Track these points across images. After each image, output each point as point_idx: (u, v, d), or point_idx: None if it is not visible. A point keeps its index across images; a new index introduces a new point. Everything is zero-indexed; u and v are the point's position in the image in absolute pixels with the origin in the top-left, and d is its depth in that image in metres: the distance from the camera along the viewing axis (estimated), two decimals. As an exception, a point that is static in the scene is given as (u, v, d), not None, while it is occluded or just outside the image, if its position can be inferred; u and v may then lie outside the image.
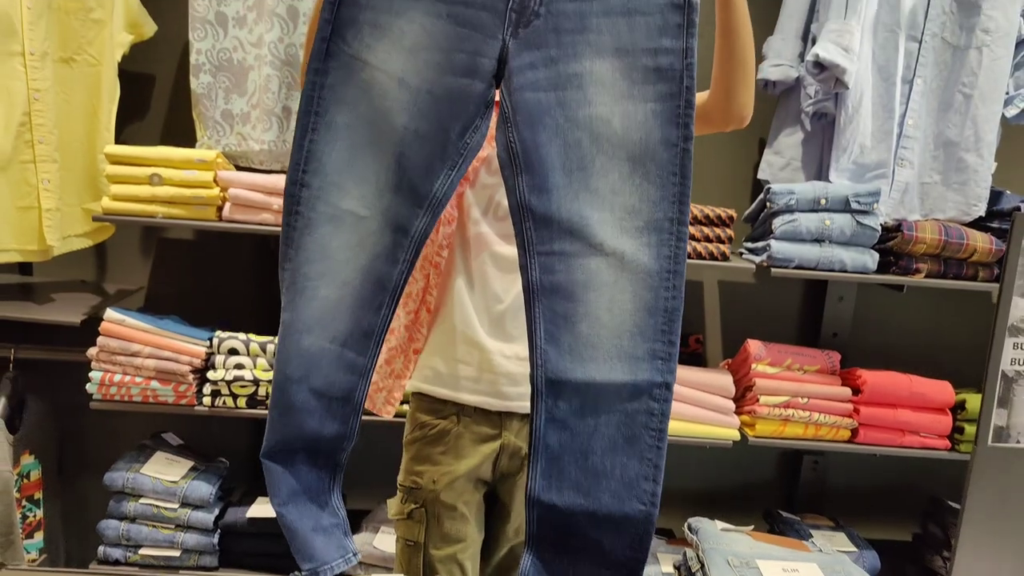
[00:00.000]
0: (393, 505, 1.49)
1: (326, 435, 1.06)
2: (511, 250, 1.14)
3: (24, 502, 2.14)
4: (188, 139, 2.09)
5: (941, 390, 2.10)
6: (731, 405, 2.10)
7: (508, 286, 1.41)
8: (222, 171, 1.98)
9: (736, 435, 2.09)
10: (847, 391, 2.11)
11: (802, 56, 2.13)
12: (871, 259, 2.03)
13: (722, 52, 1.30)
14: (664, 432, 1.00)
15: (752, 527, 1.56)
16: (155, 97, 2.29)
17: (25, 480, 2.14)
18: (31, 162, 1.99)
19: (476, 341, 1.41)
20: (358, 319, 1.03)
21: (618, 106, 0.99)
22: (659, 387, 0.99)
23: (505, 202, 1.18)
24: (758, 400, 2.08)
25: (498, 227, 1.41)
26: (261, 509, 2.10)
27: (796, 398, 2.09)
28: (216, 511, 2.08)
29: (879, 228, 2.02)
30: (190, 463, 2.13)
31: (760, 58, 2.18)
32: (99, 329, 1.98)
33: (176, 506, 2.04)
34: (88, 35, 2.06)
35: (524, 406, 1.39)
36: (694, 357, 2.35)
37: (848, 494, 2.51)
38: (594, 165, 1.00)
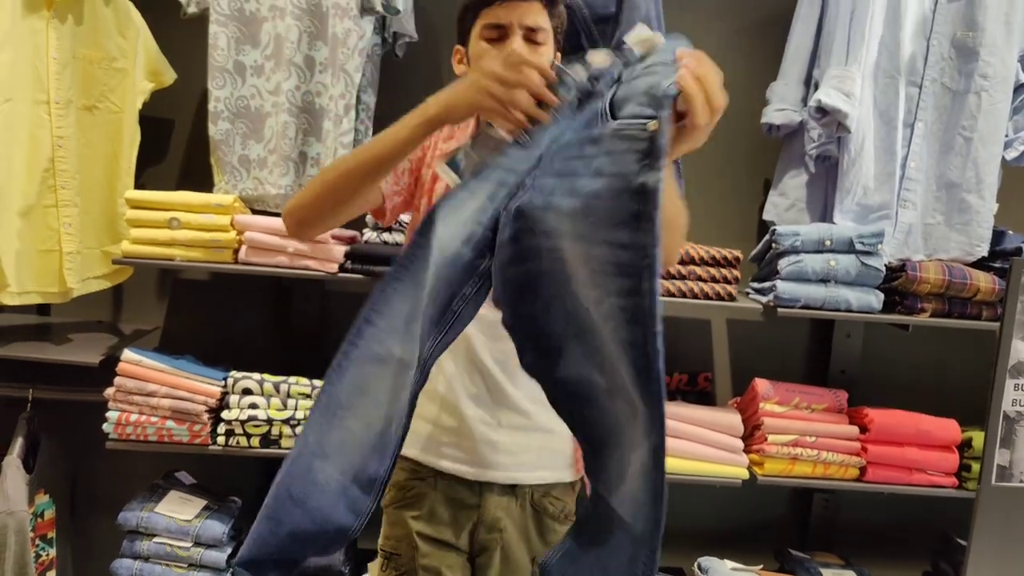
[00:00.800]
0: (374, 570, 1.47)
1: (308, 556, 1.06)
2: (495, 314, 1.11)
3: (38, 541, 2.15)
4: (206, 183, 2.14)
5: (947, 428, 2.11)
6: (740, 444, 2.12)
7: (493, 353, 1.36)
8: (239, 215, 2.03)
9: (745, 474, 2.10)
10: (855, 430, 2.13)
11: (805, 100, 2.18)
12: (876, 299, 2.06)
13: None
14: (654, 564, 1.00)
15: (762, 566, 1.57)
16: (174, 142, 2.35)
17: (39, 519, 2.16)
18: (53, 206, 2.04)
19: (457, 408, 1.38)
20: (368, 461, 1.04)
21: (593, 291, 0.97)
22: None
23: None
24: (766, 439, 2.10)
25: None
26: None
27: (804, 437, 2.10)
28: (229, 550, 2.09)
29: (883, 268, 2.05)
30: (203, 502, 2.15)
31: (764, 103, 2.23)
32: (116, 369, 2.01)
33: (189, 545, 2.06)
34: (111, 83, 2.13)
35: (504, 476, 1.37)
36: (703, 396, 2.37)
37: (859, 531, 2.51)
38: (579, 323, 1.00)
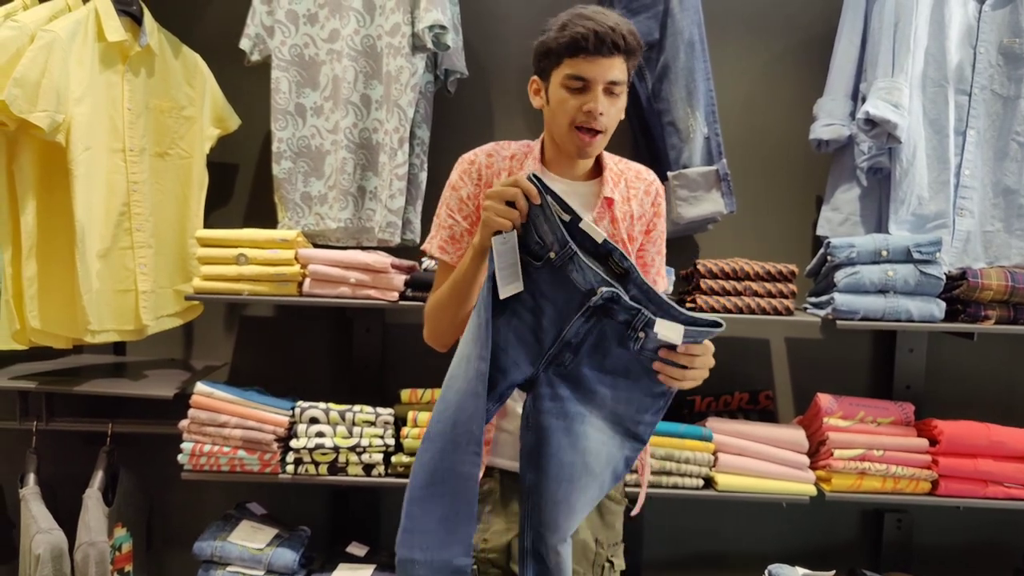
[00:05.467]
0: None
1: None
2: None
3: (115, 574, 2.22)
4: (270, 221, 2.23)
5: (1021, 438, 2.06)
6: (805, 460, 2.09)
7: None
8: (302, 249, 2.11)
9: (812, 490, 2.07)
10: (924, 442, 2.08)
11: (852, 115, 2.19)
12: (938, 308, 2.04)
13: None
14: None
15: (833, 573, 1.54)
16: (239, 184, 2.46)
17: (117, 552, 2.23)
18: (129, 248, 2.15)
19: (514, 409, 1.49)
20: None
21: (603, 446, 1.37)
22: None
23: None
24: (832, 454, 2.07)
25: None
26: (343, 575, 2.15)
27: (871, 451, 2.07)
28: (299, 578, 2.13)
29: (943, 277, 2.03)
30: (274, 531, 2.19)
31: (811, 120, 2.25)
32: (190, 402, 2.09)
33: (262, 573, 2.10)
34: (180, 131, 2.25)
35: None
36: (765, 414, 2.35)
37: (935, 553, 2.43)
38: (578, 480, 1.35)
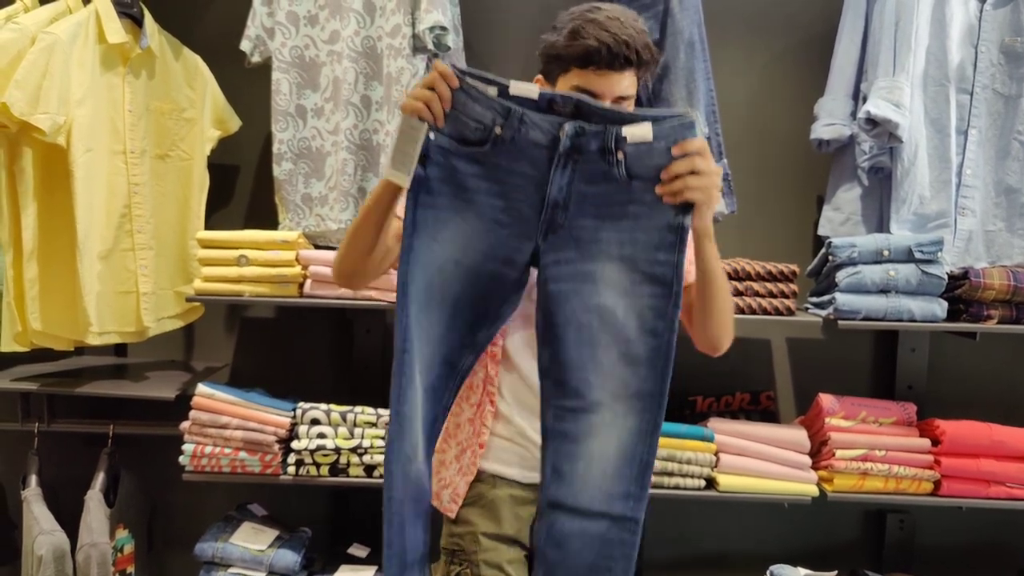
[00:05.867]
0: (438, 570, 1.49)
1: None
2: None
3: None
4: (271, 222, 2.23)
5: (1023, 438, 2.06)
6: (807, 460, 2.08)
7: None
8: (303, 250, 2.11)
9: (814, 490, 2.07)
10: (926, 442, 2.08)
11: (853, 114, 2.19)
12: (940, 308, 2.03)
13: (700, 297, 1.41)
14: (632, 558, 1.29)
15: (835, 573, 1.54)
16: (240, 185, 2.46)
17: (119, 553, 2.23)
18: (130, 250, 2.15)
19: (510, 419, 1.46)
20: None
21: (621, 299, 1.28)
22: (629, 521, 1.28)
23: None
24: (834, 454, 2.06)
25: (529, 307, 1.42)
26: (343, 577, 2.15)
27: (873, 451, 2.06)
28: (300, 579, 2.13)
29: (945, 276, 2.03)
30: (275, 532, 2.19)
31: (812, 119, 2.25)
32: (191, 403, 2.09)
33: (263, 574, 2.10)
34: (181, 133, 2.26)
35: None
36: (766, 414, 2.35)
37: (938, 553, 2.43)
38: (599, 343, 1.28)
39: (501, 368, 1.47)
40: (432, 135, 1.26)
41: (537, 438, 1.39)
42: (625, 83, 1.35)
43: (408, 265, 1.28)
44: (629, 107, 1.38)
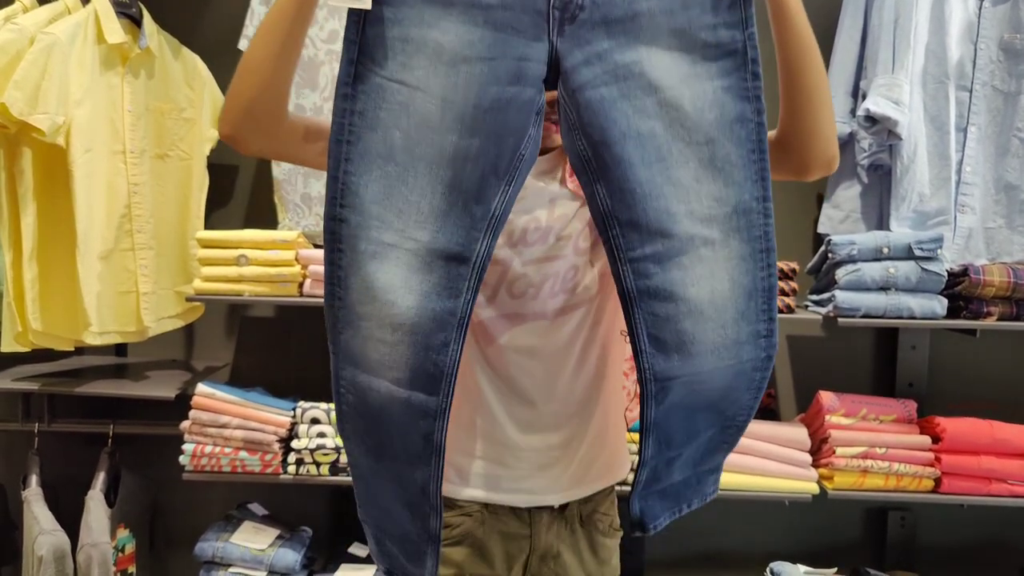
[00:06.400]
0: None
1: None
2: (531, 336, 1.19)
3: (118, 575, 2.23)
4: (270, 222, 2.23)
5: (1025, 435, 2.05)
6: (807, 458, 2.08)
7: (538, 380, 1.25)
8: (303, 250, 2.11)
9: (815, 488, 2.07)
10: (926, 440, 2.08)
11: (853, 112, 2.19)
12: (939, 305, 2.03)
13: (789, 86, 1.09)
14: (762, 390, 1.08)
15: (836, 569, 1.54)
16: (239, 185, 2.46)
17: (120, 553, 2.23)
18: (130, 250, 2.15)
19: (503, 440, 1.27)
20: (421, 361, 0.99)
21: (685, 88, 0.96)
22: (762, 360, 1.05)
23: (522, 277, 1.19)
24: (834, 452, 2.06)
25: (513, 305, 1.23)
26: (344, 576, 2.15)
27: (874, 448, 2.06)
28: (301, 578, 2.13)
29: (945, 273, 2.02)
30: (276, 532, 2.19)
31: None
32: (191, 403, 2.09)
33: (264, 574, 2.10)
34: (180, 133, 2.26)
35: (556, 498, 1.30)
36: (766, 413, 2.35)
37: (939, 551, 2.42)
38: (672, 154, 0.96)
39: (481, 373, 1.25)
40: None
41: (533, 454, 1.25)
42: None
43: (351, 116, 0.96)
44: None
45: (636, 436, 1.25)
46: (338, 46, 2.14)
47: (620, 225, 0.99)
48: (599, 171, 0.98)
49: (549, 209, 1.22)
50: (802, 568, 1.48)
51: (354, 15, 0.93)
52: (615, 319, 1.30)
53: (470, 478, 1.28)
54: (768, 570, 1.54)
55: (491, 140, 0.96)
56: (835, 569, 1.48)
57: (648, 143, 0.96)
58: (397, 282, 0.97)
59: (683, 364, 1.01)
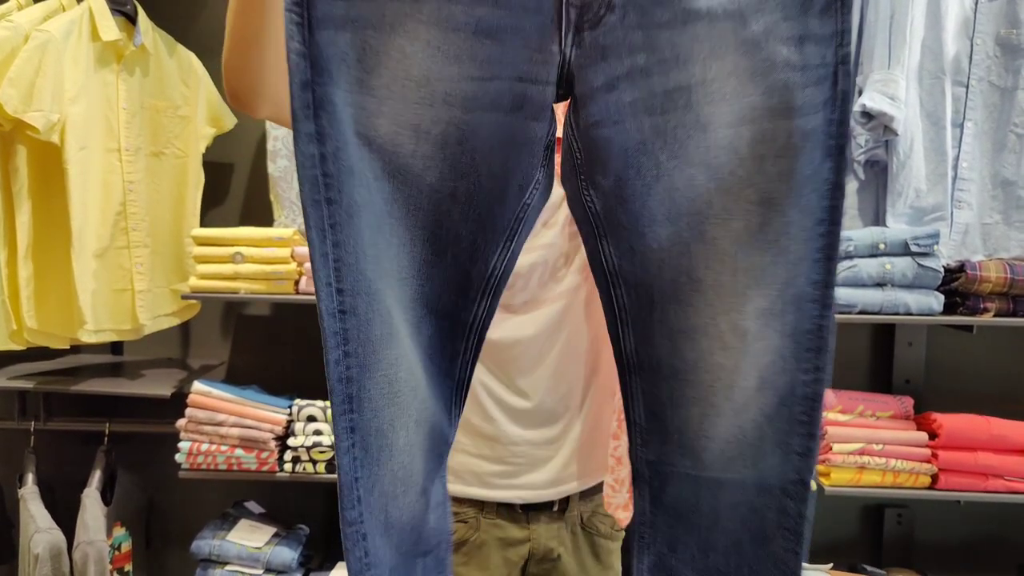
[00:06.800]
0: None
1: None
2: (521, 327, 1.13)
3: (115, 574, 2.22)
4: (266, 219, 2.23)
5: (1021, 431, 2.04)
6: (804, 455, 2.08)
7: (529, 371, 1.22)
8: (298, 247, 2.11)
9: (811, 485, 2.06)
10: (923, 436, 2.07)
11: (849, 108, 2.18)
12: (936, 301, 2.03)
13: None
14: (803, 536, 0.75)
15: (831, 565, 1.54)
16: (235, 183, 2.46)
17: (116, 552, 2.23)
18: (125, 248, 2.15)
19: (496, 435, 1.24)
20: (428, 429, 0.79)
21: (748, 127, 0.69)
22: (794, 484, 0.75)
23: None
24: (831, 448, 2.06)
25: (506, 295, 1.03)
26: (341, 575, 2.14)
27: (870, 445, 2.06)
28: (298, 576, 2.13)
29: (941, 269, 2.02)
30: (272, 530, 2.19)
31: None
32: (187, 401, 2.09)
33: (260, 572, 2.10)
34: (175, 130, 2.25)
35: (553, 492, 1.27)
36: (763, 409, 2.34)
37: (937, 549, 2.42)
38: (711, 207, 0.71)
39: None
40: None
41: (529, 448, 1.22)
42: None
43: (325, 163, 0.66)
44: None
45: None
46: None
47: (627, 286, 0.77)
48: (608, 227, 0.76)
49: None
50: (797, 564, 1.48)
51: (294, 12, 0.64)
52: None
53: (464, 476, 1.26)
54: (763, 566, 1.54)
55: (484, 183, 0.73)
56: (830, 565, 1.48)
57: (680, 196, 0.72)
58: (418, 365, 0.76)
59: (685, 458, 0.78)
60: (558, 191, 0.90)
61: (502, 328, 1.22)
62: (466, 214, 0.74)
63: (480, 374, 1.22)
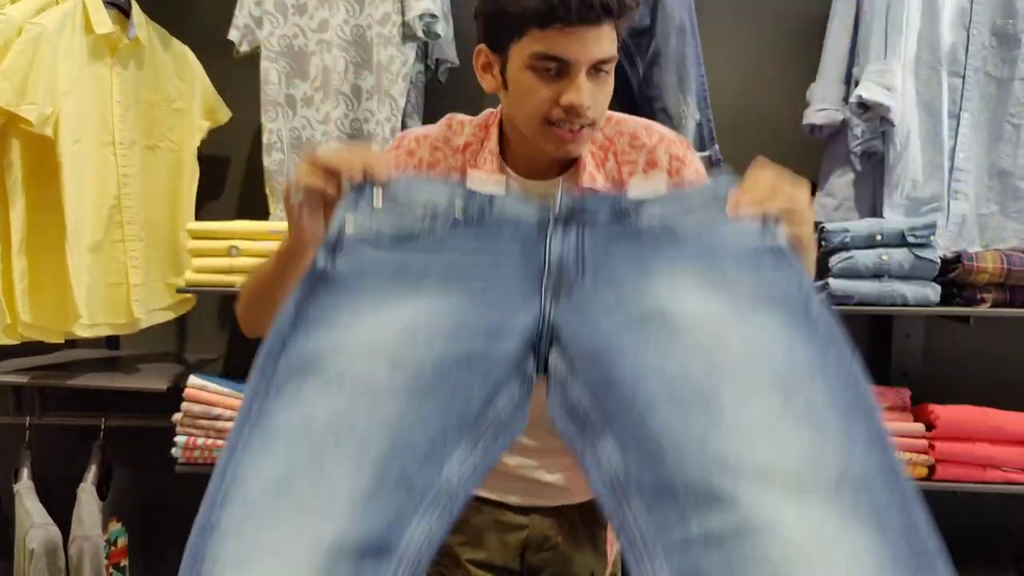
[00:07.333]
0: None
1: None
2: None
3: (111, 569, 2.21)
4: (262, 213, 2.22)
5: (1019, 422, 2.05)
6: (801, 446, 2.08)
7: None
8: (294, 240, 2.10)
9: None
10: (920, 427, 2.07)
11: (846, 99, 2.18)
12: (933, 292, 2.02)
13: None
14: None
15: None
16: (230, 176, 2.45)
17: (112, 547, 2.22)
18: (120, 241, 2.14)
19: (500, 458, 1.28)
20: None
21: (731, 330, 0.72)
22: None
23: None
24: (829, 440, 2.06)
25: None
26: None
27: (868, 436, 2.06)
28: (295, 571, 2.12)
29: (938, 260, 2.02)
30: (269, 524, 2.18)
31: (805, 105, 2.24)
32: (183, 395, 2.08)
33: (257, 566, 2.09)
34: (170, 124, 2.24)
35: (551, 502, 1.28)
36: (760, 402, 2.34)
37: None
38: (720, 394, 0.68)
39: None
40: (350, 224, 0.82)
41: (530, 471, 1.23)
42: (604, 41, 1.00)
43: (264, 388, 0.75)
44: (610, 72, 1.04)
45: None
46: (328, 35, 2.14)
47: (642, 493, 0.67)
48: (602, 425, 0.72)
49: None
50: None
51: (300, 290, 0.79)
52: None
53: None
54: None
55: (450, 397, 0.74)
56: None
57: (678, 382, 0.69)
58: None
59: None
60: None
61: None
62: (425, 430, 0.74)
63: None
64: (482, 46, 1.08)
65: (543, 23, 0.97)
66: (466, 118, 1.20)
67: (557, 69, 1.00)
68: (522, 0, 0.97)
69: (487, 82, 1.10)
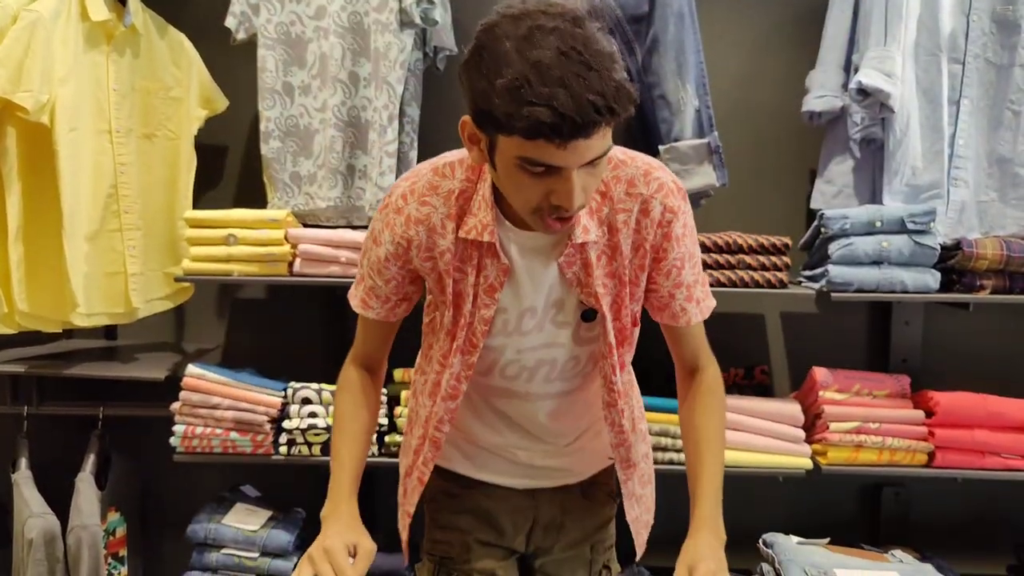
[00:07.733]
0: (422, 572, 1.38)
1: None
2: (526, 405, 1.28)
3: (109, 559, 2.21)
4: (259, 202, 2.21)
5: (1018, 408, 2.05)
6: (801, 434, 2.08)
7: (538, 428, 1.32)
8: (292, 229, 2.09)
9: (808, 464, 2.06)
10: (920, 414, 2.07)
11: (845, 86, 2.17)
12: (932, 278, 2.02)
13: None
14: None
15: (828, 540, 1.54)
16: (228, 165, 2.44)
17: (111, 536, 2.22)
18: (118, 230, 2.13)
19: (508, 455, 1.35)
20: None
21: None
22: None
23: (514, 362, 1.22)
24: (828, 427, 2.06)
25: (506, 383, 1.27)
26: (337, 557, 2.13)
27: (867, 423, 2.06)
28: (295, 559, 2.11)
29: (937, 247, 2.02)
30: (268, 513, 2.18)
31: (804, 92, 2.23)
32: (181, 384, 2.08)
33: (256, 555, 2.09)
34: (167, 112, 2.23)
35: (556, 482, 1.37)
36: (761, 389, 2.34)
37: (934, 527, 2.42)
38: None
39: (484, 406, 1.32)
40: None
41: (535, 458, 1.33)
42: (597, 145, 0.96)
43: None
44: (604, 161, 1.02)
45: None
46: (325, 22, 2.12)
47: None
48: None
49: (546, 295, 1.18)
50: (794, 539, 1.49)
51: None
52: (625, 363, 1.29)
53: (476, 464, 1.36)
54: (760, 541, 1.54)
55: None
56: (827, 540, 1.49)
57: None
58: None
59: None
60: (564, 292, 1.17)
61: (510, 404, 1.30)
62: None
63: (493, 416, 1.32)
64: (468, 119, 1.03)
65: (531, 137, 0.93)
66: (456, 159, 1.17)
67: (547, 169, 0.98)
68: (512, 118, 0.93)
69: (473, 154, 1.06)
